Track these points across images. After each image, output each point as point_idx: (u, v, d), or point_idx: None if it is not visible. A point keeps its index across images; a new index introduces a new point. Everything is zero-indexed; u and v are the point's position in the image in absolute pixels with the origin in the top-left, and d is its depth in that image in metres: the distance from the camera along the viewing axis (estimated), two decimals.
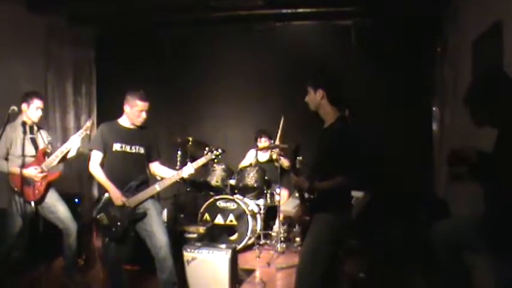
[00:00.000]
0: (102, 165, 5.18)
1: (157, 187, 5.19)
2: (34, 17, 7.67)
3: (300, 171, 4.29)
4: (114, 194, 5.05)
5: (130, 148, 5.19)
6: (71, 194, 6.91)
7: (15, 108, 5.16)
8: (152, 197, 5.21)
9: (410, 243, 5.94)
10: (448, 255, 3.76)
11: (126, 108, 5.17)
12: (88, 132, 5.99)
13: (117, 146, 5.16)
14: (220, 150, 5.45)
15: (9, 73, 7.14)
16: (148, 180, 5.33)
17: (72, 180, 8.27)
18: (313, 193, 4.25)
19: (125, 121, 5.25)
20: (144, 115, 5.18)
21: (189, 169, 5.29)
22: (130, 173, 5.18)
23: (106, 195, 5.12)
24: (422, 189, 7.37)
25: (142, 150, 5.24)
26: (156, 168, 5.49)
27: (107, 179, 5.09)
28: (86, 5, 7.79)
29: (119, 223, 5.07)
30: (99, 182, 5.20)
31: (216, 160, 5.59)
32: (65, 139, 8.13)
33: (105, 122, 5.33)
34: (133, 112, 5.14)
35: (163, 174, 5.44)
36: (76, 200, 6.95)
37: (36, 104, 5.79)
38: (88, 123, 5.99)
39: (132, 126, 5.24)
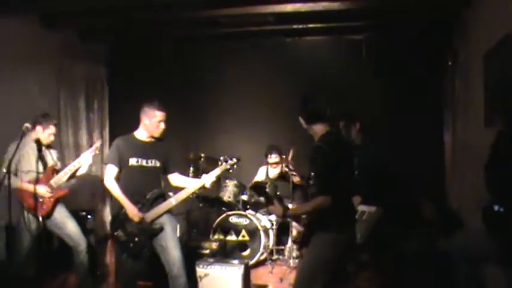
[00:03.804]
0: (117, 179, 5.19)
1: (173, 201, 5.20)
2: (47, 33, 7.72)
3: (273, 199, 4.33)
4: (131, 209, 5.05)
5: (147, 162, 5.19)
6: (83, 210, 6.95)
7: (29, 125, 5.19)
8: (168, 211, 5.21)
9: (423, 257, 5.90)
10: (466, 268, 3.74)
11: (145, 120, 5.17)
12: (97, 152, 6.03)
13: (133, 161, 5.16)
14: (235, 160, 5.47)
15: (22, 89, 7.21)
16: (164, 194, 5.33)
17: (85, 196, 8.29)
18: (295, 218, 4.29)
19: (141, 134, 5.25)
20: (163, 126, 5.20)
21: (209, 177, 5.30)
22: (146, 188, 5.18)
23: (123, 211, 5.12)
24: (435, 202, 7.32)
25: (158, 164, 5.25)
26: (176, 179, 5.49)
27: (122, 195, 5.09)
28: (98, 21, 7.86)
29: (136, 239, 5.07)
30: (115, 196, 5.18)
31: (230, 171, 5.58)
32: (77, 155, 8.15)
33: (121, 136, 5.34)
34: (153, 123, 5.15)
35: (184, 184, 5.41)
36: (89, 216, 6.98)
37: (51, 130, 5.91)
38: (98, 144, 6.02)
39: (148, 139, 5.25)
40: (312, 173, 4.06)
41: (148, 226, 5.10)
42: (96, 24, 8.23)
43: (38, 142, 5.55)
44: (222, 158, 5.56)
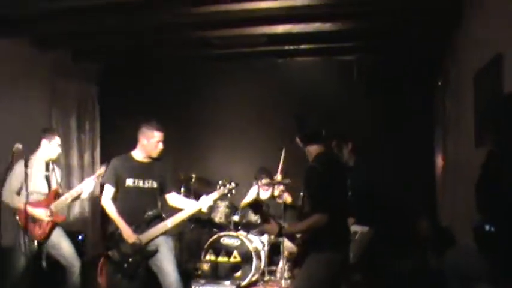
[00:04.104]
0: (114, 199, 5.17)
1: (168, 224, 5.17)
2: (39, 53, 7.77)
3: (269, 218, 4.35)
4: (125, 231, 5.04)
5: (144, 183, 5.18)
6: (74, 231, 6.89)
7: (20, 146, 5.17)
8: (164, 232, 5.17)
9: (416, 276, 5.89)
10: (458, 287, 3.73)
11: (143, 140, 5.17)
12: (100, 179, 6.00)
13: (129, 182, 5.15)
14: (233, 184, 5.44)
15: (14, 108, 7.20)
16: (161, 215, 5.29)
17: (76, 218, 8.25)
18: (290, 237, 4.31)
19: (138, 154, 5.25)
20: (161, 146, 5.19)
21: (207, 201, 5.28)
22: (142, 209, 5.16)
23: (118, 231, 5.09)
24: (427, 220, 7.34)
25: (155, 185, 5.23)
26: (173, 199, 5.46)
27: (118, 215, 5.08)
28: (90, 42, 7.89)
29: (130, 259, 5.05)
30: (110, 217, 5.15)
31: (229, 195, 5.55)
32: (68, 176, 8.18)
33: (117, 156, 5.33)
34: (151, 144, 5.15)
35: (182, 205, 5.38)
36: (79, 237, 6.93)
37: (57, 141, 5.93)
38: (101, 170, 5.99)
39: (145, 160, 5.24)
40: (306, 193, 4.08)
41: (143, 247, 5.07)
42: (89, 45, 8.26)
43: (44, 161, 5.80)
44: (220, 182, 5.53)
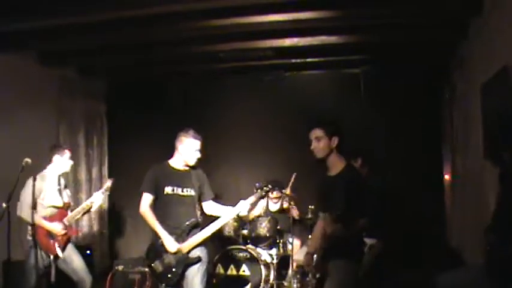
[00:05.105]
0: (152, 208, 5.15)
1: (208, 231, 5.13)
2: (47, 70, 7.82)
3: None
4: (168, 240, 5.01)
5: (182, 191, 5.16)
6: (82, 246, 6.90)
7: (29, 160, 5.21)
8: (203, 241, 5.15)
9: None
10: None
11: (182, 149, 5.16)
12: (108, 192, 6.07)
13: (168, 189, 5.13)
14: (270, 186, 5.46)
15: (22, 126, 7.22)
16: (200, 223, 5.26)
17: (83, 233, 8.26)
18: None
19: (176, 162, 5.25)
20: (199, 154, 5.19)
21: (245, 205, 5.26)
22: (182, 217, 5.13)
23: (159, 241, 5.07)
24: (434, 237, 7.31)
25: (193, 192, 5.20)
26: (210, 207, 5.43)
27: (159, 224, 5.05)
28: (97, 58, 7.93)
29: (173, 269, 5.03)
30: (150, 225, 5.13)
31: (265, 198, 5.52)
32: (76, 190, 8.18)
33: (155, 164, 5.31)
34: (190, 152, 5.15)
35: (218, 212, 5.36)
36: (88, 252, 6.94)
37: (68, 154, 6.02)
38: (109, 183, 6.06)
39: (183, 168, 5.24)
40: (344, 196, 4.07)
41: (185, 256, 5.04)
42: (96, 62, 8.30)
43: (57, 175, 5.93)
44: (257, 184, 5.54)
